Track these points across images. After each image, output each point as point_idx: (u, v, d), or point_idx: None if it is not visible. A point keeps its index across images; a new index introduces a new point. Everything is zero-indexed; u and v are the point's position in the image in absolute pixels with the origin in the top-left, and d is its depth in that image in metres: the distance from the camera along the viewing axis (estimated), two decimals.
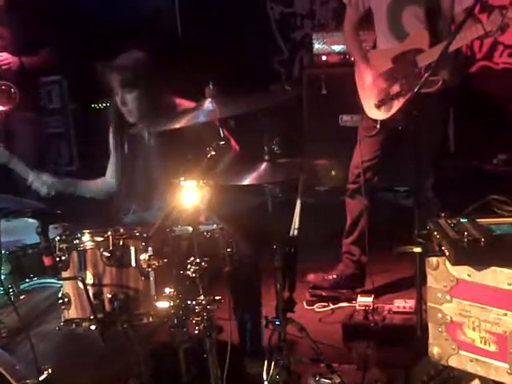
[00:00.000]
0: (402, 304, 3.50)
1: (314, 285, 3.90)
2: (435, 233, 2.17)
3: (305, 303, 3.80)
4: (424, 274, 2.37)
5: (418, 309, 2.75)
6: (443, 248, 2.09)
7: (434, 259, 2.15)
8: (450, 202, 2.64)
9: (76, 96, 5.56)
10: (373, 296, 3.60)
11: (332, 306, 3.81)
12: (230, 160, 2.97)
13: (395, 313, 3.46)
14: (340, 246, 3.98)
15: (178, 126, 2.49)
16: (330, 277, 3.89)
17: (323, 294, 3.87)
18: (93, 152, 5.13)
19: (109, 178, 3.30)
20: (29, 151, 4.34)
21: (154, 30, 3.16)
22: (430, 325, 2.19)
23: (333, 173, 3.59)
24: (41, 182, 3.18)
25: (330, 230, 4.34)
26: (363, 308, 3.48)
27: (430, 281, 2.17)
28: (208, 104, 2.49)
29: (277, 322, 2.67)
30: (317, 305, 3.82)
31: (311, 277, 3.90)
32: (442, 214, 2.22)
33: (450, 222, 2.21)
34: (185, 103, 3.04)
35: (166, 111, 2.96)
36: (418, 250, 2.23)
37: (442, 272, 2.14)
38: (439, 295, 2.16)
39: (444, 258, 2.11)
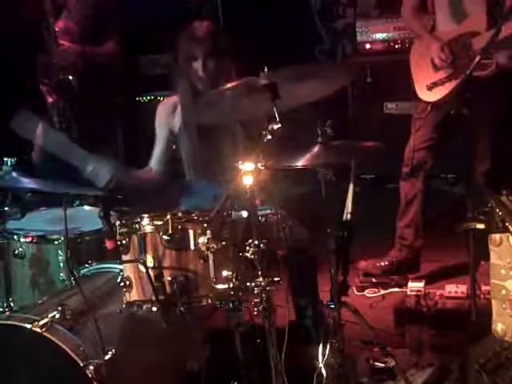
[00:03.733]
0: (454, 289, 3.49)
1: (366, 272, 3.88)
2: (497, 210, 2.16)
3: (355, 289, 3.80)
4: (478, 257, 2.36)
5: (472, 290, 2.66)
6: (507, 224, 2.08)
7: (497, 236, 2.14)
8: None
9: (120, 89, 5.61)
10: (424, 281, 3.58)
11: (382, 292, 3.80)
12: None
13: (447, 298, 3.45)
14: (387, 233, 3.96)
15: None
16: (382, 263, 3.88)
17: (374, 280, 3.87)
18: (137, 143, 5.20)
19: (154, 166, 3.28)
20: None
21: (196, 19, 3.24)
22: (493, 301, 2.19)
23: None
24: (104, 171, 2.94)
25: (377, 218, 4.31)
26: (414, 293, 3.47)
27: (494, 258, 2.17)
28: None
29: (331, 305, 2.68)
30: (367, 290, 3.83)
31: (363, 264, 3.89)
32: (504, 192, 2.21)
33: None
34: None
35: None
36: (481, 226, 2.21)
37: (506, 248, 2.13)
38: (503, 272, 2.15)
39: (508, 234, 2.11)
